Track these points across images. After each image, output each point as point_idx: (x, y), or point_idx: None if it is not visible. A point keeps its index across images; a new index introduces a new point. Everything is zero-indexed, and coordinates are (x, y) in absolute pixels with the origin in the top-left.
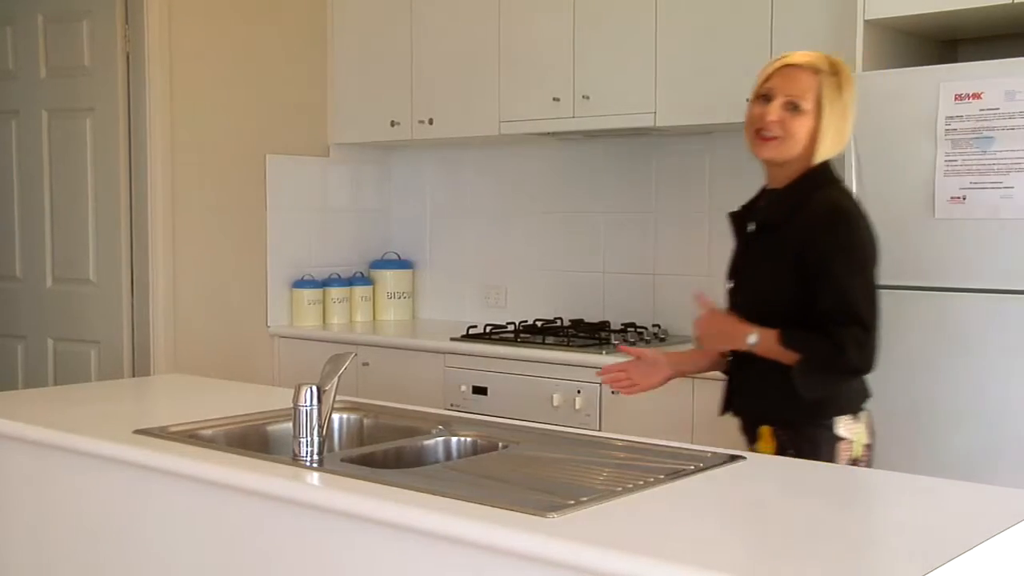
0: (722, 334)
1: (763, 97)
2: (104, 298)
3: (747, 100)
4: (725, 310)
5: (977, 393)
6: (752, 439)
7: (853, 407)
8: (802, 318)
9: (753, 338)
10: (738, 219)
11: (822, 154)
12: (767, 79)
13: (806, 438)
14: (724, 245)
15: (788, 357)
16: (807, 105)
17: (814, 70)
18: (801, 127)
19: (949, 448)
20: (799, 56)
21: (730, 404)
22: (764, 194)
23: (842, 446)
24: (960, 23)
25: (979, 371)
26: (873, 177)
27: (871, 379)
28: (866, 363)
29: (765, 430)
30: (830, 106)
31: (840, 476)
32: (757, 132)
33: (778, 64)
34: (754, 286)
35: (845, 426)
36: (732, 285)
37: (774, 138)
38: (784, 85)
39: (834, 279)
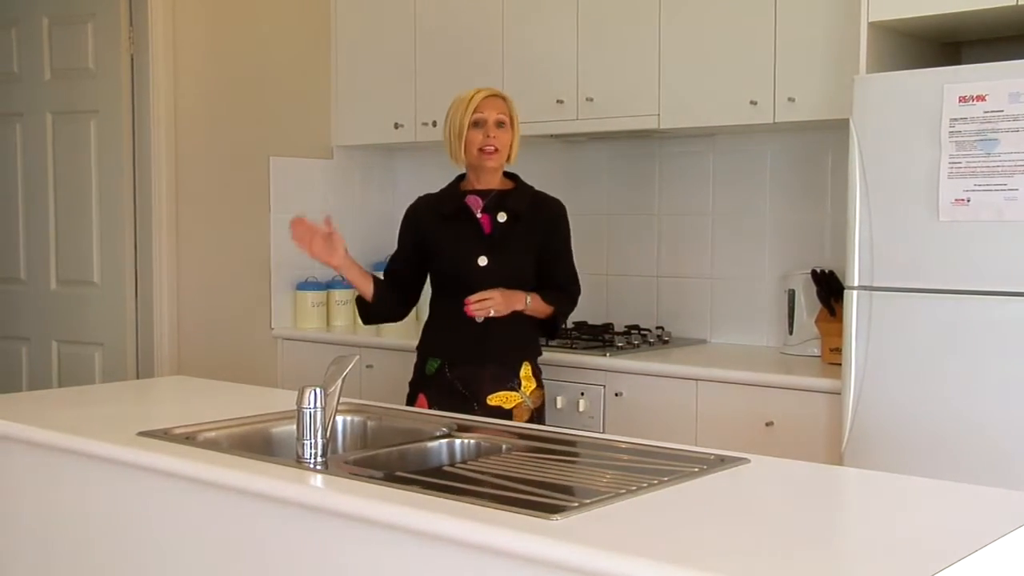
0: (506, 301)
1: (475, 124)
2: (108, 300)
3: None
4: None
5: (981, 395)
6: (503, 379)
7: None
8: (536, 284)
9: (528, 300)
10: (483, 210)
11: (514, 157)
12: (475, 110)
13: (539, 369)
14: (728, 247)
15: (545, 311)
16: (507, 121)
17: (501, 97)
18: (508, 138)
19: (952, 450)
20: (486, 89)
21: (488, 354)
22: (494, 192)
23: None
24: (964, 25)
25: (983, 374)
26: (877, 179)
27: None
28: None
29: (527, 364)
30: (517, 121)
31: (843, 478)
32: (481, 150)
33: (479, 98)
34: (511, 262)
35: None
36: (486, 262)
37: (496, 151)
38: (491, 111)
39: (566, 257)
